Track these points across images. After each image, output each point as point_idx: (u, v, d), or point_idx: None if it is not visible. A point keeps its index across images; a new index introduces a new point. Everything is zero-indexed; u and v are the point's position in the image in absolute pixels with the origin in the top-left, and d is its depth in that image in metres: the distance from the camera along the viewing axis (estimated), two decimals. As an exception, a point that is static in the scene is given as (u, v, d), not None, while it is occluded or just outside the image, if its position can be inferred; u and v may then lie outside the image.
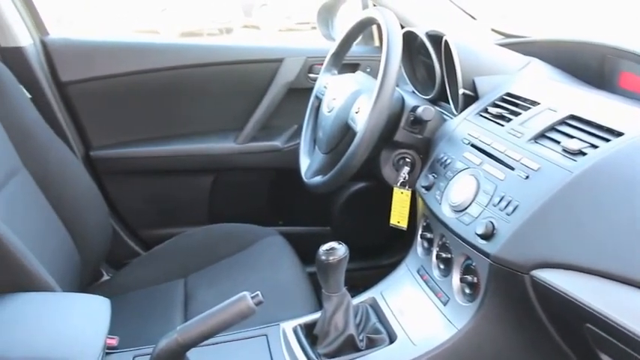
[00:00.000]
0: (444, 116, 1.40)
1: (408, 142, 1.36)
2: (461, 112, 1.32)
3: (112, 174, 1.84)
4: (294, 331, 1.17)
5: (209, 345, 1.02)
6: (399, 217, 1.35)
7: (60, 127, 1.71)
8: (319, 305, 1.31)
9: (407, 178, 1.36)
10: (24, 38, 1.66)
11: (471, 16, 1.68)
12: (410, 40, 1.52)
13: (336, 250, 1.04)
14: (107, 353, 1.10)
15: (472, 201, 1.08)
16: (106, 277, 1.72)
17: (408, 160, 1.37)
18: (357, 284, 1.34)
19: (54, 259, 1.26)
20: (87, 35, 1.92)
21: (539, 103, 1.16)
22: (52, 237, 1.34)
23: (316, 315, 1.18)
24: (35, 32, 1.72)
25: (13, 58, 1.61)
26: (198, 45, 1.92)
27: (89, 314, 0.96)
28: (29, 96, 1.51)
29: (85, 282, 1.49)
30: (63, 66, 1.72)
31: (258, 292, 0.92)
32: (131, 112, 1.82)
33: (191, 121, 1.87)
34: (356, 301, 1.24)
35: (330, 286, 1.08)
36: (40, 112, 1.46)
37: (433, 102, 1.46)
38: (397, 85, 1.25)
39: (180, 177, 1.89)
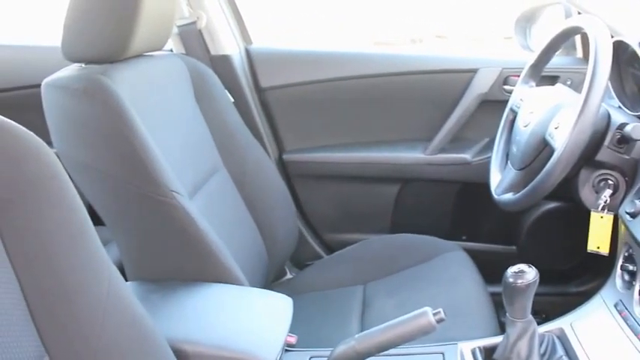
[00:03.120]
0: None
1: (613, 162, 1.24)
2: (676, 131, 1.18)
3: (302, 177, 1.91)
4: (473, 353, 1.13)
5: (384, 356, 1.01)
6: (599, 242, 1.24)
7: (257, 130, 1.80)
8: (500, 328, 1.25)
9: (608, 201, 1.24)
10: (231, 47, 1.78)
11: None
12: (619, 50, 1.39)
13: (525, 273, 0.98)
14: (286, 350, 1.14)
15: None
16: (289, 276, 1.79)
17: (610, 182, 1.26)
18: (540, 310, 1.25)
19: (244, 255, 1.33)
20: (286, 44, 2.01)
21: None
22: (244, 233, 1.42)
23: (497, 339, 1.12)
24: (241, 41, 1.84)
25: (221, 65, 1.74)
26: (391, 54, 1.93)
27: (273, 311, 1.00)
28: (232, 100, 1.62)
29: (270, 279, 1.56)
30: (263, 73, 1.82)
31: (441, 310, 0.89)
32: (323, 118, 1.87)
33: (381, 129, 1.88)
34: (542, 329, 1.15)
35: (515, 311, 1.02)
36: (240, 116, 1.57)
37: (643, 119, 1.32)
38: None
39: (367, 184, 1.90)
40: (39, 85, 1.18)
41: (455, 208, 1.92)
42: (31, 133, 0.69)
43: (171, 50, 1.75)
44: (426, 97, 1.83)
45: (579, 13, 1.56)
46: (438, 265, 1.52)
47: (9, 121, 0.67)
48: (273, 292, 1.08)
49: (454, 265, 1.52)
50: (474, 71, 1.77)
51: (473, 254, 1.57)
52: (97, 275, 0.71)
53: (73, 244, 0.69)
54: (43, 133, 0.71)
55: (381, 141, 1.88)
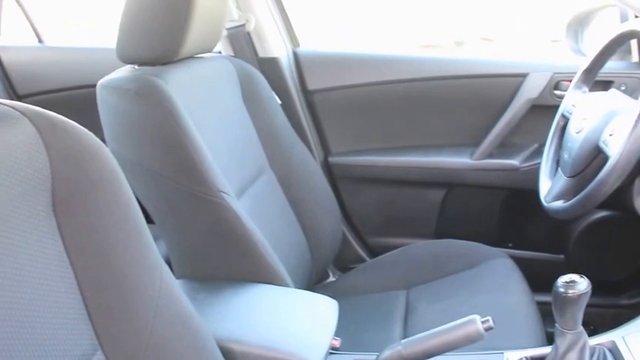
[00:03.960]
0: None
1: None
2: None
3: (347, 180, 1.91)
4: (519, 363, 1.10)
5: (429, 363, 1.01)
6: (653, 254, 1.21)
7: (304, 132, 1.81)
8: (547, 339, 1.23)
9: (664, 212, 1.21)
10: (279, 49, 1.79)
11: None
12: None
13: (577, 283, 0.96)
14: (330, 353, 1.14)
15: None
16: (331, 279, 1.79)
17: (667, 191, 1.22)
18: (589, 322, 1.22)
19: (289, 256, 1.34)
20: (332, 47, 2.02)
21: None
22: (288, 235, 1.43)
23: (544, 350, 1.09)
24: (288, 44, 1.85)
25: (269, 67, 1.76)
26: (438, 58, 1.92)
27: (319, 313, 1.01)
28: (279, 102, 1.64)
29: (313, 281, 1.56)
30: (310, 75, 1.83)
31: (489, 318, 0.88)
32: (369, 122, 1.87)
33: (427, 133, 1.86)
34: (592, 342, 1.13)
35: (565, 322, 1.00)
36: (287, 118, 1.57)
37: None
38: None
39: (412, 188, 1.89)
40: (94, 86, 1.21)
41: (501, 215, 1.89)
42: (90, 132, 0.70)
43: (220, 52, 1.77)
44: (474, 101, 1.81)
45: (636, 16, 1.52)
46: (484, 272, 1.50)
47: (69, 120, 0.69)
48: (319, 295, 1.08)
49: (500, 273, 1.49)
50: (524, 76, 1.74)
51: (519, 262, 1.54)
52: (150, 272, 0.72)
53: (129, 242, 0.70)
54: (98, 132, 0.73)
55: (427, 145, 1.86)
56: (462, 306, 1.35)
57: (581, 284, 0.96)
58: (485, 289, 1.43)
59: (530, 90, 1.73)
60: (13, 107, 0.65)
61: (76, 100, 1.91)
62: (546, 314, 1.08)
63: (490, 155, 1.79)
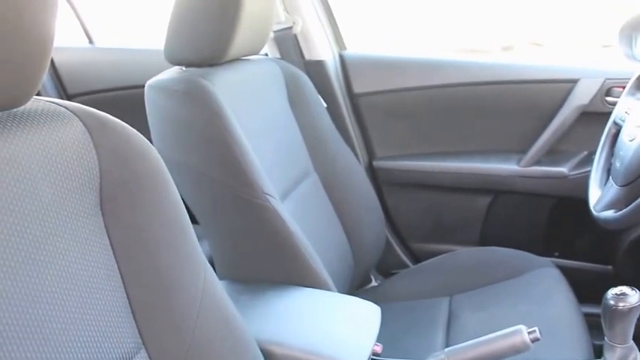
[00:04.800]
0: None
1: None
2: None
3: (391, 185, 1.89)
4: (565, 375, 1.08)
5: (472, 372, 0.99)
6: None
7: (349, 135, 1.81)
8: (594, 352, 1.19)
9: None
10: (325, 52, 1.79)
11: None
12: None
13: (628, 296, 0.93)
14: (371, 359, 1.13)
15: None
16: (374, 284, 1.78)
17: None
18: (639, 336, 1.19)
19: (331, 260, 1.33)
20: (379, 51, 2.01)
21: None
22: (332, 238, 1.43)
23: (592, 363, 1.07)
24: (335, 47, 1.85)
25: (315, 70, 1.76)
26: (485, 63, 1.89)
27: (361, 319, 1.00)
28: (325, 105, 1.63)
29: (355, 285, 1.56)
30: (356, 78, 1.82)
31: (536, 329, 0.86)
32: (414, 126, 1.85)
33: (473, 139, 1.84)
34: (643, 356, 1.09)
35: (615, 336, 0.97)
36: (332, 121, 1.57)
37: None
38: None
39: (456, 195, 1.87)
40: (141, 86, 1.23)
41: (548, 223, 1.85)
42: (139, 133, 0.71)
43: (267, 54, 1.78)
44: (522, 107, 1.77)
45: (694, 22, 1.48)
46: (529, 281, 1.47)
47: (118, 120, 0.70)
48: (361, 300, 1.07)
49: (546, 282, 1.46)
50: (574, 81, 1.70)
51: (565, 272, 1.51)
52: (195, 272, 0.72)
53: (175, 242, 0.71)
54: (144, 132, 0.73)
55: (473, 151, 1.84)
56: (506, 315, 1.32)
57: (633, 297, 0.93)
58: (531, 298, 1.40)
59: (581, 96, 1.69)
60: (64, 107, 0.66)
61: (123, 100, 1.95)
62: (593, 326, 1.05)
63: (538, 162, 1.76)
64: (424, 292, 1.51)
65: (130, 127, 0.70)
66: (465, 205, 1.87)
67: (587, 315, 1.34)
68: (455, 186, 1.85)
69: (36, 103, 0.64)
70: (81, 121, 0.65)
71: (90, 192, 0.64)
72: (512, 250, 1.62)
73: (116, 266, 0.66)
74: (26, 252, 0.56)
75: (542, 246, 1.80)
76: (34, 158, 0.59)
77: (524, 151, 1.77)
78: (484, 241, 1.86)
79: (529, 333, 0.85)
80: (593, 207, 1.36)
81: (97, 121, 0.67)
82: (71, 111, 0.66)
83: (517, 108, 1.77)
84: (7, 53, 0.53)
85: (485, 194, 1.85)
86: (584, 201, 1.41)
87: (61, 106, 0.66)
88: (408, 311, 1.45)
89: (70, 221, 0.61)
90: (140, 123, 1.00)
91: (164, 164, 0.72)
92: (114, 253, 0.66)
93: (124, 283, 0.66)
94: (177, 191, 0.73)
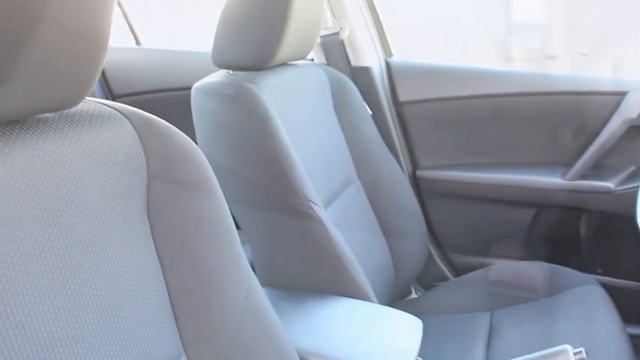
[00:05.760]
0: None
1: None
2: None
3: (435, 195, 1.87)
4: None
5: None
6: None
7: (393, 144, 1.79)
8: (640, 375, 1.16)
9: None
10: (372, 59, 1.78)
11: None
12: None
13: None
14: (412, 372, 1.12)
15: None
16: (414, 295, 1.76)
17: None
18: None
19: (372, 270, 1.32)
20: (425, 59, 1.99)
21: None
22: (373, 248, 1.42)
23: (638, 387, 1.04)
24: (381, 53, 1.84)
25: (361, 76, 1.74)
26: (530, 73, 1.85)
27: (403, 331, 0.99)
28: (370, 113, 1.62)
29: (395, 296, 1.54)
30: (402, 86, 1.81)
31: (582, 349, 0.84)
32: (458, 136, 1.83)
33: (517, 150, 1.81)
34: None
35: (665, 360, 0.94)
36: (377, 129, 1.56)
37: None
38: None
39: (499, 207, 1.84)
40: (186, 88, 1.24)
41: (593, 239, 1.81)
42: (185, 135, 0.71)
43: (313, 59, 1.78)
44: (567, 119, 1.73)
45: None
46: (572, 299, 1.44)
47: (167, 123, 0.69)
48: (403, 312, 1.06)
49: (589, 300, 1.43)
50: (623, 94, 1.65)
51: (609, 290, 1.47)
52: (238, 278, 0.72)
53: (219, 246, 0.70)
54: (189, 134, 0.73)
55: (517, 163, 1.80)
56: (547, 333, 1.30)
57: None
58: (574, 316, 1.37)
59: (629, 109, 1.65)
60: (115, 108, 0.66)
61: (169, 101, 1.97)
62: (639, 348, 1.01)
63: (583, 176, 1.71)
64: (465, 305, 1.49)
65: (178, 130, 0.70)
66: (507, 219, 1.84)
67: (632, 336, 1.30)
68: (498, 198, 1.82)
69: (87, 104, 0.64)
70: (131, 123, 0.65)
71: (137, 195, 0.64)
72: (555, 265, 1.59)
73: (160, 271, 0.65)
74: (73, 253, 0.56)
75: (585, 262, 1.76)
76: (84, 160, 0.59)
77: (569, 164, 1.73)
78: (526, 255, 1.82)
79: (575, 353, 0.83)
80: (642, 224, 1.32)
81: (146, 124, 0.67)
82: (121, 113, 0.66)
83: (563, 120, 1.74)
84: (65, 54, 0.53)
85: (529, 208, 1.81)
86: (632, 217, 1.37)
87: (111, 107, 0.66)
88: (448, 324, 1.43)
89: (117, 224, 0.61)
90: (184, 125, 1.00)
91: (211, 168, 0.72)
92: (159, 258, 0.65)
93: (167, 287, 0.66)
94: (222, 196, 0.73)
